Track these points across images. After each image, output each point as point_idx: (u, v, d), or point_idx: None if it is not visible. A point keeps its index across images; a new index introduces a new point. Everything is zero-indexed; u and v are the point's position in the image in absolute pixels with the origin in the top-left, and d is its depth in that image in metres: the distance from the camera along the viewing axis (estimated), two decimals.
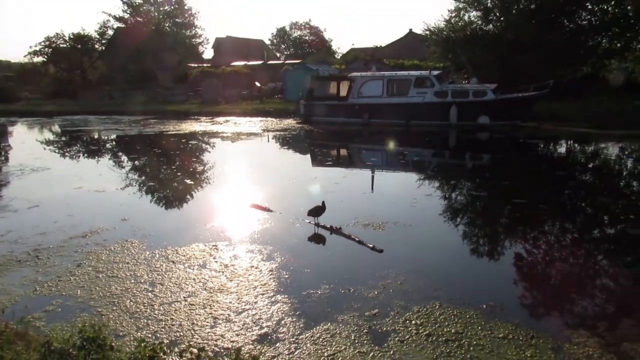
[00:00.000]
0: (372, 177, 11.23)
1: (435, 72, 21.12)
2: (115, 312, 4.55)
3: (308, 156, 15.62)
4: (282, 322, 4.34)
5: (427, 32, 28.32)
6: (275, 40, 67.60)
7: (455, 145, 17.29)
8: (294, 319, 4.38)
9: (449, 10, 28.41)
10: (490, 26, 26.53)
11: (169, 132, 19.82)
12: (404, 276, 5.25)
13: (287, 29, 66.46)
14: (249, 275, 5.36)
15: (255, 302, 4.72)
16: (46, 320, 4.41)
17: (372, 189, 9.95)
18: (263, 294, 4.89)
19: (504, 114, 18.94)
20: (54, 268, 5.64)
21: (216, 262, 5.75)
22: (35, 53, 45.97)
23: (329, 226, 6.94)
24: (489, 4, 25.94)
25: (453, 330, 4.14)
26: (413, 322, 4.29)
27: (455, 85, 21.27)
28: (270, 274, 5.37)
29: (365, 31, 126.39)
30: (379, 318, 4.37)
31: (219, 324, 4.33)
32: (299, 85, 26.19)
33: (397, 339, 4.02)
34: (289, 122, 22.76)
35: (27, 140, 20.24)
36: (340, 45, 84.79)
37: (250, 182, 10.85)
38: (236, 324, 4.32)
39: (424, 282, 5.12)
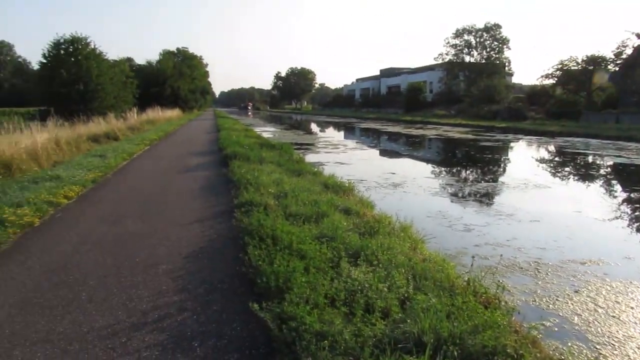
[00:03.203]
0: None
1: None
2: (615, 357, 4.20)
3: None
4: None
5: None
6: None
7: None
8: None
9: None
10: None
11: None
12: None
13: None
14: None
15: None
16: (544, 333, 4.59)
17: None
18: None
19: None
20: (552, 285, 5.81)
21: None
22: (546, 76, 49.53)
23: None
24: None
25: None
26: None
27: None
28: None
29: None
30: None
31: None
32: None
33: None
34: None
35: (528, 156, 21.91)
36: None
37: None
38: None
39: None
